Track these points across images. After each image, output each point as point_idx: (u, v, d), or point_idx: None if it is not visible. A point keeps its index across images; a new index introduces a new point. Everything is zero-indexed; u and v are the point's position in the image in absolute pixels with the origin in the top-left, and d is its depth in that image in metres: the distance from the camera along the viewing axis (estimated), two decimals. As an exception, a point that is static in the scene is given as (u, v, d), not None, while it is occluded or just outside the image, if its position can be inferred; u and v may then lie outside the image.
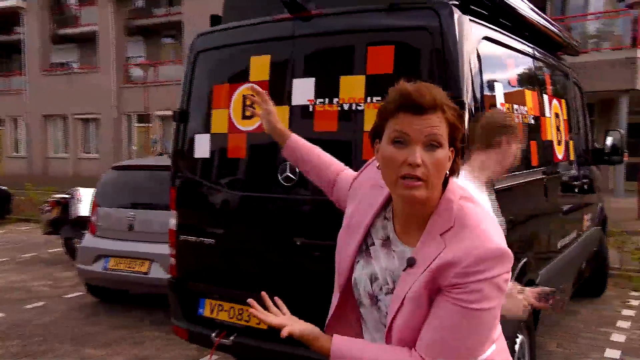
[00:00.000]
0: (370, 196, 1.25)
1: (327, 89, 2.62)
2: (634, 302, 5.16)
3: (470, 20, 2.46)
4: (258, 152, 2.87)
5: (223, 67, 3.04)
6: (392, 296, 1.15)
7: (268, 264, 2.78)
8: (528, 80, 3.12)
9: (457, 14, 2.37)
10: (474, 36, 2.45)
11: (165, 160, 5.85)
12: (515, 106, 2.87)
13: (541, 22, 3.26)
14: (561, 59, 3.97)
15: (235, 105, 2.88)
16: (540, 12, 3.34)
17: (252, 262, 2.83)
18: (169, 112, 19.43)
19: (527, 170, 2.90)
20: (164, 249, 4.45)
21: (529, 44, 3.23)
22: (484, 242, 1.07)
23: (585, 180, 4.19)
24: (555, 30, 3.64)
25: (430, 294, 1.09)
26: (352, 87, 2.53)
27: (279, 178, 2.70)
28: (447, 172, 1.11)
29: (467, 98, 2.31)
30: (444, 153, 1.08)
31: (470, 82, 2.35)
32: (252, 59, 2.85)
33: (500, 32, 2.77)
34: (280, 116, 2.74)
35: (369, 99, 2.48)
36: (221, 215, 2.97)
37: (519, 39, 3.05)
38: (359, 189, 1.30)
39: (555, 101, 3.54)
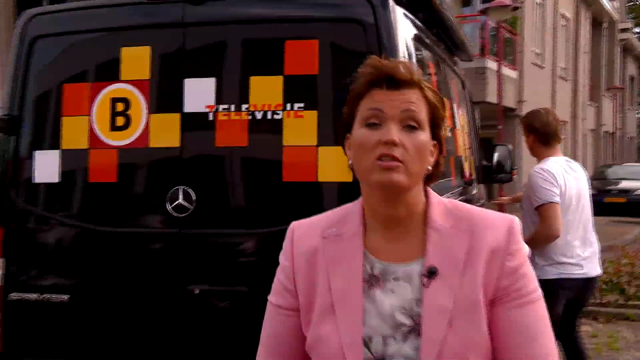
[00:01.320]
0: (332, 249, 1.16)
1: (233, 92, 2.50)
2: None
3: (404, 14, 2.59)
4: (136, 174, 2.62)
5: (78, 59, 2.72)
6: (420, 337, 1.08)
7: (152, 325, 2.54)
8: (445, 88, 3.38)
9: (391, 4, 2.46)
10: (408, 34, 2.59)
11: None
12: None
13: (452, 20, 3.58)
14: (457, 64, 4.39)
15: (100, 111, 2.60)
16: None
17: (127, 323, 2.56)
18: None
19: (450, 192, 3.13)
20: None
21: (442, 47, 3.52)
22: (498, 217, 1.14)
23: (482, 202, 4.65)
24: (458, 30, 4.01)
25: (486, 295, 1.08)
26: (266, 90, 2.46)
27: (168, 208, 2.51)
28: (428, 170, 1.12)
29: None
30: (425, 136, 1.10)
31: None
32: (124, 51, 2.61)
33: (424, 31, 2.97)
34: (169, 127, 2.60)
35: (288, 105, 2.44)
36: (79, 260, 2.63)
37: (436, 40, 3.30)
38: (307, 257, 1.17)
39: (460, 112, 3.89)
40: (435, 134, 1.13)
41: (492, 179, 5.31)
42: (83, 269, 2.65)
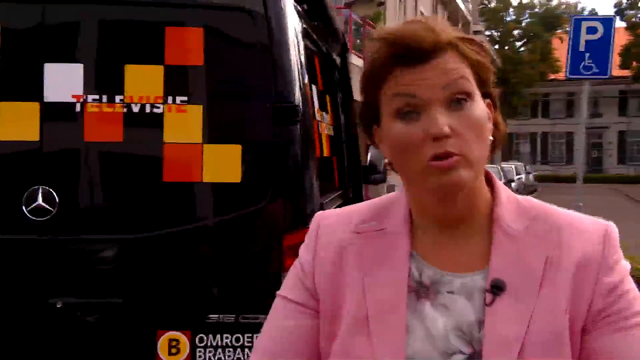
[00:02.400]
0: (369, 247, 0.99)
1: (105, 81, 2.37)
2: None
3: (294, 6, 2.62)
4: (-17, 172, 2.41)
5: None
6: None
7: (10, 344, 2.35)
8: (329, 84, 3.45)
9: None
10: (298, 26, 2.61)
11: None
12: (323, 114, 3.16)
13: (333, 12, 3.66)
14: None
15: (-64, 96, 2.35)
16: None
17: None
18: None
19: (333, 194, 3.20)
20: None
21: (325, 39, 3.59)
22: (590, 220, 0.97)
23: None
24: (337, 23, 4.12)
25: (575, 321, 0.90)
26: (144, 81, 2.36)
27: (25, 210, 2.32)
28: (491, 139, 0.94)
29: (300, 104, 2.45)
30: (479, 107, 0.91)
31: (300, 84, 2.49)
32: (-33, 27, 2.39)
33: (309, 23, 3.02)
34: (25, 117, 2.39)
35: (169, 98, 2.36)
36: None
37: (319, 32, 3.37)
38: (334, 253, 1.01)
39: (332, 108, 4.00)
40: (485, 92, 0.94)
41: (368, 180, 5.53)
42: None
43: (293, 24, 2.51)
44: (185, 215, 2.41)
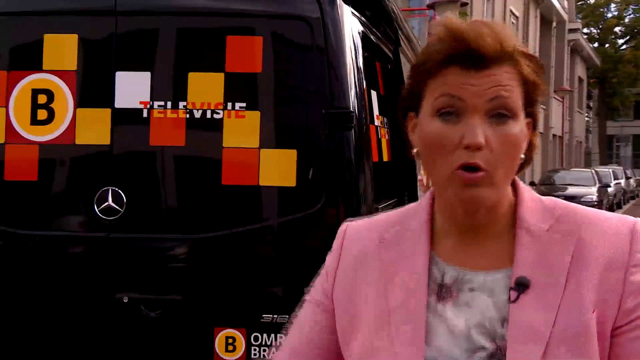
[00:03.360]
0: (390, 253, 1.02)
1: (169, 88, 2.53)
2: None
3: (352, 12, 2.69)
4: (60, 173, 2.60)
5: (-7, 45, 2.70)
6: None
7: (78, 335, 2.54)
8: (392, 88, 3.50)
9: (339, 1, 2.54)
10: (356, 32, 2.69)
11: None
12: (384, 119, 3.21)
13: (400, 17, 3.70)
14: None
15: (20, 102, 2.57)
16: None
17: (51, 333, 2.54)
18: None
19: (390, 200, 3.23)
20: None
21: (389, 45, 3.65)
22: (616, 218, 0.97)
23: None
24: (406, 28, 4.16)
25: (602, 322, 0.91)
26: (205, 88, 2.50)
27: (96, 210, 2.51)
28: (521, 159, 0.95)
29: (355, 109, 2.52)
30: (519, 127, 0.92)
31: (356, 89, 2.56)
32: (47, 38, 2.59)
33: (371, 29, 3.08)
34: (98, 123, 2.59)
35: (229, 105, 2.49)
36: (-5, 267, 2.61)
37: (383, 38, 3.43)
38: (356, 260, 1.05)
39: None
40: (530, 112, 0.96)
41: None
42: (1, 275, 2.61)
43: (350, 31, 2.58)
44: (242, 217, 2.53)
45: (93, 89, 2.58)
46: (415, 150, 1.00)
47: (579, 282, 0.91)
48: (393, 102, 2.91)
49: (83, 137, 2.56)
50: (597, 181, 20.10)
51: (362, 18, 2.86)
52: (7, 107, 2.61)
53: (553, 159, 31.35)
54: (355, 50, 2.59)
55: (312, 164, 2.49)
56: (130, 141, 2.57)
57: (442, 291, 0.97)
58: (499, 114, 0.90)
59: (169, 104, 2.52)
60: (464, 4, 12.54)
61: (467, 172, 0.89)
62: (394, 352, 0.95)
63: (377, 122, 2.93)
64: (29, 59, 2.63)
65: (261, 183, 2.48)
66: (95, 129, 2.55)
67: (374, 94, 2.93)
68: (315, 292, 1.09)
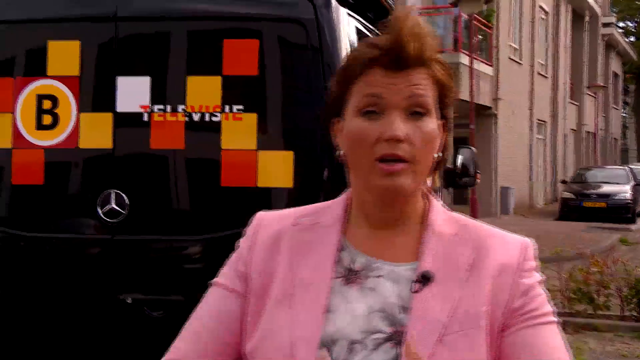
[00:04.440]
0: (303, 236, 1.08)
1: (168, 92, 2.59)
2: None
3: (348, 14, 2.71)
4: (64, 176, 2.68)
5: (1, 52, 2.79)
6: (398, 348, 0.98)
7: (81, 335, 2.61)
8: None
9: (334, 3, 2.57)
10: (353, 33, 2.71)
11: None
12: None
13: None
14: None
15: (25, 108, 2.65)
16: None
17: (55, 334, 2.62)
18: None
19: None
20: None
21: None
22: (511, 235, 1.08)
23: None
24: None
25: (494, 318, 1.00)
26: (203, 91, 2.55)
27: (99, 212, 2.58)
28: (436, 158, 1.04)
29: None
30: (434, 124, 1.01)
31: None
32: (51, 45, 2.67)
33: (371, 31, 3.10)
34: (101, 127, 2.66)
35: (227, 107, 2.53)
36: (3, 268, 2.67)
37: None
38: (271, 241, 1.10)
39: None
40: (443, 114, 1.05)
41: (455, 183, 5.48)
42: (7, 276, 2.69)
43: (346, 32, 2.61)
44: (242, 218, 2.55)
45: (95, 93, 2.65)
46: (341, 152, 1.06)
47: (477, 280, 1.01)
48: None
49: (86, 141, 2.63)
50: (631, 179, 19.68)
51: (359, 18, 2.87)
52: (13, 112, 2.69)
53: (587, 157, 30.85)
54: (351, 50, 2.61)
55: (309, 165, 2.51)
56: (132, 144, 2.63)
57: (349, 275, 1.05)
58: (416, 112, 1.00)
59: (169, 107, 2.58)
60: (489, 1, 12.45)
61: (388, 164, 0.98)
62: (293, 329, 1.00)
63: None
64: (34, 65, 2.71)
65: (259, 184, 2.51)
66: (97, 133, 2.62)
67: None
68: (226, 277, 1.12)
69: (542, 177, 24.19)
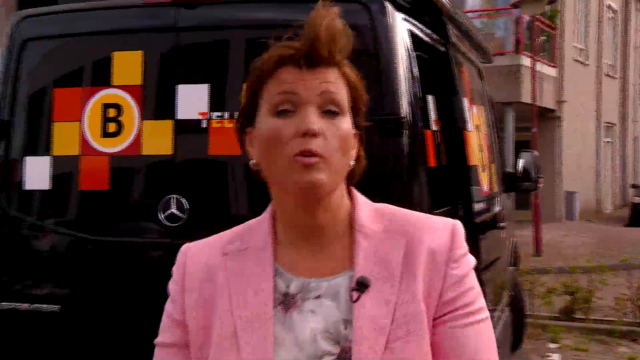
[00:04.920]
0: (235, 266, 1.04)
1: (226, 99, 2.65)
2: (555, 357, 5.84)
3: (404, 19, 2.72)
4: (128, 182, 2.78)
5: (69, 64, 2.91)
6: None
7: (144, 336, 2.69)
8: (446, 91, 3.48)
9: (390, 9, 2.58)
10: (409, 38, 2.71)
11: None
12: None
13: (467, 24, 3.69)
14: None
15: (92, 117, 2.77)
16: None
17: (119, 335, 2.72)
18: None
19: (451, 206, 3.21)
20: None
21: (453, 49, 3.63)
22: (438, 219, 1.07)
23: (504, 215, 4.69)
24: (475, 32, 4.12)
25: (428, 309, 1.00)
26: (260, 97, 2.62)
27: (160, 217, 2.66)
28: (350, 166, 1.03)
29: (408, 115, 2.54)
30: (348, 124, 1.00)
31: (408, 95, 2.59)
32: (116, 56, 2.78)
33: (428, 35, 3.09)
34: (162, 134, 2.75)
35: (283, 113, 2.59)
36: (71, 270, 2.80)
37: (444, 43, 3.42)
38: (202, 277, 1.06)
39: (476, 111, 3.98)
40: (357, 123, 1.05)
41: (517, 188, 5.38)
42: (74, 278, 2.81)
43: (401, 37, 2.61)
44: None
45: (157, 101, 2.74)
46: (254, 161, 1.04)
47: (411, 276, 1.00)
48: (446, 105, 2.91)
49: (148, 148, 2.72)
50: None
51: (415, 22, 2.87)
52: (81, 121, 2.81)
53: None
54: (407, 56, 2.61)
55: (364, 170, 2.52)
56: (191, 151, 2.70)
57: (287, 301, 1.02)
58: (330, 110, 0.99)
59: (226, 114, 2.64)
60: (552, 2, 12.17)
61: (304, 157, 0.96)
62: None
63: (434, 127, 2.93)
64: (100, 75, 2.82)
65: (314, 190, 2.54)
66: (159, 139, 2.71)
67: (430, 98, 2.93)
68: (165, 332, 1.09)
69: (610, 181, 23.42)
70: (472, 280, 1.04)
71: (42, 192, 2.86)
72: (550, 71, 16.84)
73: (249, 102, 1.04)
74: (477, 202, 3.26)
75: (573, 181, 18.17)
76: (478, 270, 3.37)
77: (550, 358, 5.84)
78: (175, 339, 1.07)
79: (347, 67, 1.04)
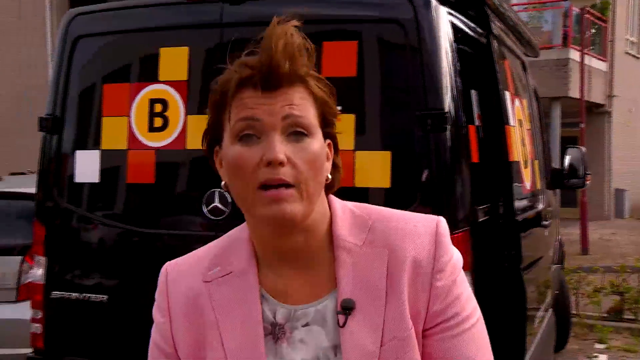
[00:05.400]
0: (220, 294, 1.01)
1: (269, 93, 2.69)
2: (602, 357, 5.73)
3: (448, 12, 2.70)
4: (173, 176, 2.84)
5: (118, 60, 2.98)
6: None
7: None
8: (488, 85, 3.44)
9: (434, 3, 2.56)
10: (452, 32, 2.69)
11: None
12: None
13: (513, 17, 3.65)
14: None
15: (139, 112, 2.84)
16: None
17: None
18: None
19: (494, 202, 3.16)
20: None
21: (498, 43, 3.59)
22: (419, 220, 1.02)
23: (549, 212, 4.61)
24: (522, 25, 4.06)
25: (416, 323, 0.97)
26: (303, 92, 2.64)
27: (204, 210, 2.71)
28: (327, 179, 0.98)
29: (451, 110, 2.53)
30: (317, 144, 0.95)
31: (451, 90, 2.58)
32: (163, 52, 2.84)
33: (473, 29, 3.07)
34: (202, 127, 2.79)
35: (326, 108, 2.60)
36: (118, 261, 2.88)
37: (489, 37, 3.38)
38: (188, 305, 1.04)
39: (519, 106, 3.93)
40: (328, 133, 1.00)
41: (563, 185, 5.28)
42: (121, 269, 2.89)
43: (445, 31, 2.59)
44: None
45: (201, 96, 2.78)
46: (223, 182, 1.01)
47: (396, 292, 0.96)
48: (487, 99, 2.88)
49: (192, 142, 2.77)
50: None
51: (460, 16, 2.85)
52: (129, 116, 2.88)
53: None
54: (451, 50, 2.60)
55: (406, 166, 2.53)
56: (234, 145, 2.74)
57: (276, 331, 0.99)
58: (296, 132, 0.93)
59: (268, 109, 2.67)
60: (602, -6, 11.90)
61: (272, 190, 0.91)
62: None
63: (477, 122, 2.91)
64: (147, 71, 2.89)
65: (356, 184, 2.55)
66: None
67: (474, 93, 2.91)
68: None
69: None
70: (460, 285, 1.00)
71: (91, 185, 2.95)
72: (600, 65, 16.43)
73: (214, 122, 1.00)
74: (519, 199, 3.21)
75: (623, 178, 17.71)
76: (518, 269, 3.30)
77: (597, 359, 5.73)
78: None
79: (313, 79, 0.97)
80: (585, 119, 12.36)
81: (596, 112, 16.56)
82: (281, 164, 0.91)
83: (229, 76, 0.97)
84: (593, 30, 15.96)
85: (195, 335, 1.01)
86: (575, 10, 13.71)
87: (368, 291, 0.97)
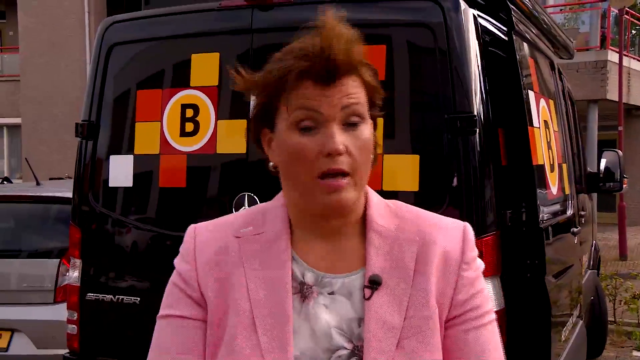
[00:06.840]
0: (250, 249, 1.04)
1: (298, 98, 2.71)
2: (639, 364, 5.63)
3: (478, 15, 2.69)
4: (204, 180, 2.88)
5: (151, 66, 3.04)
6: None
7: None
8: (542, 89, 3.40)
9: (463, 6, 2.55)
10: (480, 35, 2.68)
11: (23, 189, 5.60)
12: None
13: (545, 19, 3.61)
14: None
15: (171, 117, 2.90)
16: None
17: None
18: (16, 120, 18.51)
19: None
20: (31, 313, 4.28)
21: (529, 46, 3.56)
22: (450, 220, 1.09)
23: (582, 217, 4.51)
24: (556, 27, 4.01)
25: (441, 310, 1.01)
26: (331, 96, 2.65)
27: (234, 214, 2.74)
28: (372, 158, 1.03)
29: (480, 113, 2.52)
30: (368, 129, 1.01)
31: (480, 92, 2.56)
32: (194, 58, 2.89)
33: (503, 32, 3.04)
34: (236, 133, 2.84)
35: (354, 112, 2.61)
36: (151, 264, 2.94)
37: (520, 40, 3.35)
38: (216, 257, 1.05)
39: (545, 107, 3.87)
40: (373, 114, 1.06)
41: (599, 189, 5.20)
42: (153, 272, 2.94)
43: (474, 35, 2.58)
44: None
45: (232, 102, 2.82)
46: (271, 164, 1.06)
47: (424, 277, 1.01)
48: (513, 102, 2.83)
49: (223, 147, 2.81)
50: None
51: (490, 19, 2.83)
52: (161, 121, 2.93)
53: None
54: (479, 53, 2.58)
55: (435, 169, 2.52)
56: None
57: (304, 290, 1.03)
58: (352, 122, 0.99)
59: (299, 113, 2.69)
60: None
61: (331, 180, 0.97)
62: (261, 353, 0.98)
63: (505, 125, 2.88)
64: (179, 77, 2.94)
65: (384, 188, 2.55)
66: (233, 139, 2.79)
67: (502, 95, 2.89)
68: (177, 307, 1.05)
69: None
70: (482, 282, 1.06)
71: (125, 189, 3.01)
72: (640, 67, 16.09)
73: (266, 104, 1.03)
74: (543, 205, 3.12)
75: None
76: (542, 280, 3.15)
77: (634, 366, 5.61)
78: (186, 312, 1.05)
79: (364, 67, 1.02)
80: (623, 122, 12.13)
81: (635, 114, 16.22)
82: (340, 154, 0.96)
83: (287, 66, 1.00)
84: (633, 32, 15.64)
85: (221, 285, 1.03)
86: (614, 11, 13.47)
87: (396, 270, 1.02)
